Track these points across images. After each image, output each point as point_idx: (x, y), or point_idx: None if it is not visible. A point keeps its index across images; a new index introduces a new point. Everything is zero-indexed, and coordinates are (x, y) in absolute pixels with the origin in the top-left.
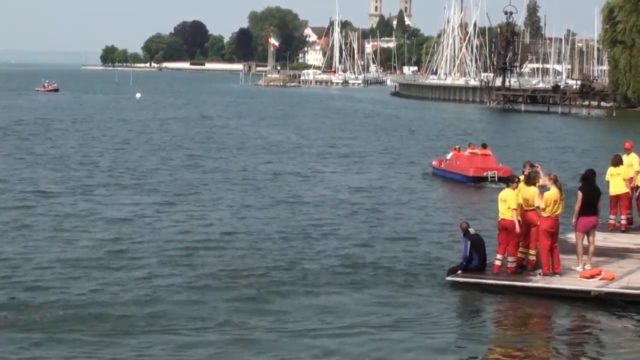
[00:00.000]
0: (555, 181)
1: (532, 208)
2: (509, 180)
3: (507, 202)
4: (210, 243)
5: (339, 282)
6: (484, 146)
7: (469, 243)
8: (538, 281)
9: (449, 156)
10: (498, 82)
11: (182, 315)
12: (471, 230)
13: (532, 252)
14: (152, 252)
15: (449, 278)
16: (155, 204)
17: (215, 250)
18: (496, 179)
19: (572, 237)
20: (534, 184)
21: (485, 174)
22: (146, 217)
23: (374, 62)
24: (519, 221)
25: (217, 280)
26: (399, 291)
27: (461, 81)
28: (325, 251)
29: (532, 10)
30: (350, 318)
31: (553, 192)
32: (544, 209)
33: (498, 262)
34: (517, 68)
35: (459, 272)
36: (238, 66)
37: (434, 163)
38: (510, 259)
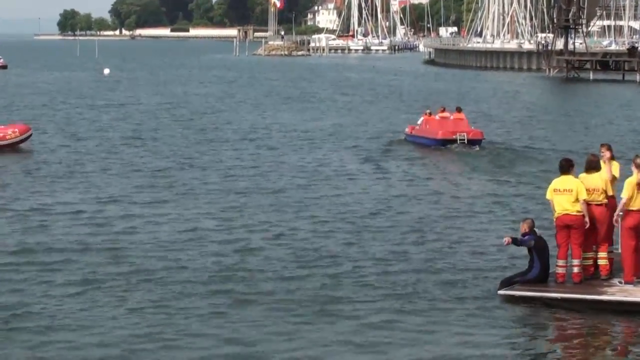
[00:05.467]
0: (638, 165)
1: (598, 202)
2: (569, 166)
3: (574, 193)
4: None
5: (357, 302)
6: (459, 110)
7: (533, 240)
8: (615, 293)
9: (419, 121)
10: (559, 44)
11: None
12: (537, 231)
13: (601, 255)
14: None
15: (501, 292)
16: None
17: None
18: (465, 141)
19: None
20: (597, 170)
21: (454, 136)
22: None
23: (402, 23)
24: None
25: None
26: (436, 311)
27: (513, 44)
28: (341, 263)
29: None
30: (373, 351)
31: (633, 178)
32: (627, 202)
33: (561, 270)
34: (584, 26)
35: (516, 283)
36: (231, 32)
37: (407, 130)
38: (575, 262)
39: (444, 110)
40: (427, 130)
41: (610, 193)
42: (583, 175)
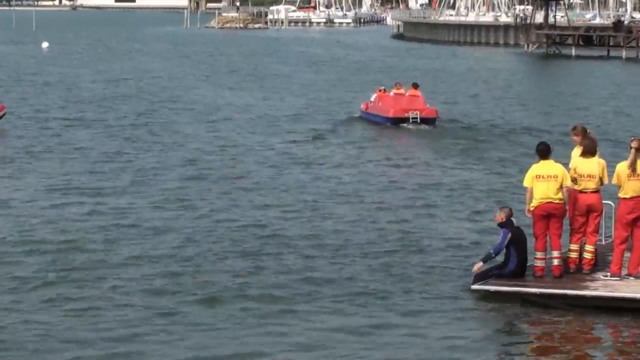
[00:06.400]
0: (638, 149)
1: (594, 189)
2: (549, 151)
3: (560, 179)
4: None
5: (319, 299)
6: (415, 86)
7: (508, 235)
8: (598, 288)
9: (372, 97)
10: (539, 17)
11: None
12: (514, 221)
13: (589, 247)
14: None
15: (475, 287)
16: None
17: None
18: (418, 120)
19: None
20: (594, 155)
21: (406, 114)
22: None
23: None
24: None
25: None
26: (403, 308)
27: (489, 17)
28: (297, 259)
29: None
30: (340, 350)
31: (623, 164)
32: (619, 189)
33: (540, 263)
34: None
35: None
36: (181, 2)
37: (362, 106)
38: (554, 253)
39: (399, 87)
40: (379, 107)
41: (605, 181)
42: (580, 159)
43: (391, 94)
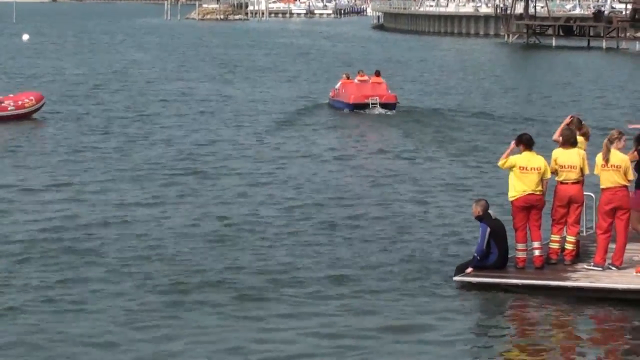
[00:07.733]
0: (610, 141)
1: (574, 180)
2: (532, 142)
3: (542, 171)
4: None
5: (300, 294)
6: (378, 74)
7: (487, 230)
8: (579, 279)
9: (337, 85)
10: (519, 7)
11: None
12: (491, 213)
13: (570, 238)
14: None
15: (457, 278)
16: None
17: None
18: (377, 105)
19: None
20: (574, 145)
21: (366, 100)
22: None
23: None
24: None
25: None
26: (382, 300)
27: (469, 8)
28: (273, 254)
29: None
30: (314, 345)
31: (598, 156)
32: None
33: (521, 254)
34: None
35: (470, 270)
36: None
37: (330, 93)
38: (535, 244)
39: (362, 74)
40: (342, 94)
41: (586, 171)
42: (560, 150)
43: (355, 80)
